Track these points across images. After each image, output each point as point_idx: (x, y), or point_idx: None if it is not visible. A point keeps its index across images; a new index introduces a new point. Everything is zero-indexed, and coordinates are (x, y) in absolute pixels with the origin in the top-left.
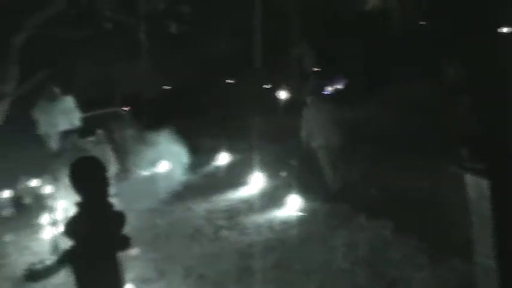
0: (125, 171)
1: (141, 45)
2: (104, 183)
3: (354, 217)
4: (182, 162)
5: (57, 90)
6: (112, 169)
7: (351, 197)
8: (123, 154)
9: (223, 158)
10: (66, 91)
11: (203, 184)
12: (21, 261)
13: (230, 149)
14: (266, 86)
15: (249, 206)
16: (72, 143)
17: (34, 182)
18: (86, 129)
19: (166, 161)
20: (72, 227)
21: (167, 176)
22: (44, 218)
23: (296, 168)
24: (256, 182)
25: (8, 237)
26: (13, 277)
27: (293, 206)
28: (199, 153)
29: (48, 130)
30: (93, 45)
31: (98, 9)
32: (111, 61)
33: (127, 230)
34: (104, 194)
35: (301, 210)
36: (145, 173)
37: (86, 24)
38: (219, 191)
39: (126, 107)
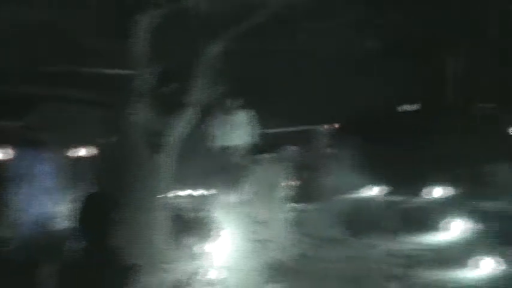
0: (313, 194)
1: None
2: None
3: None
4: (380, 191)
5: (233, 104)
6: (280, 191)
7: None
8: (314, 175)
9: (430, 193)
10: (245, 105)
11: (398, 218)
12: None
13: (440, 184)
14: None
15: (435, 257)
16: (230, 160)
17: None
18: (261, 146)
19: (364, 187)
20: None
21: (362, 203)
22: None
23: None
24: (455, 229)
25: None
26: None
27: (483, 269)
28: (405, 181)
29: (223, 144)
30: (291, 57)
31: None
32: (312, 74)
33: (290, 256)
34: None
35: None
36: (338, 197)
37: (283, 35)
38: (412, 230)
39: (332, 124)
